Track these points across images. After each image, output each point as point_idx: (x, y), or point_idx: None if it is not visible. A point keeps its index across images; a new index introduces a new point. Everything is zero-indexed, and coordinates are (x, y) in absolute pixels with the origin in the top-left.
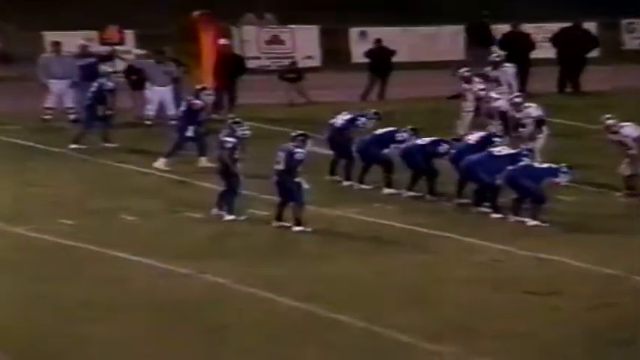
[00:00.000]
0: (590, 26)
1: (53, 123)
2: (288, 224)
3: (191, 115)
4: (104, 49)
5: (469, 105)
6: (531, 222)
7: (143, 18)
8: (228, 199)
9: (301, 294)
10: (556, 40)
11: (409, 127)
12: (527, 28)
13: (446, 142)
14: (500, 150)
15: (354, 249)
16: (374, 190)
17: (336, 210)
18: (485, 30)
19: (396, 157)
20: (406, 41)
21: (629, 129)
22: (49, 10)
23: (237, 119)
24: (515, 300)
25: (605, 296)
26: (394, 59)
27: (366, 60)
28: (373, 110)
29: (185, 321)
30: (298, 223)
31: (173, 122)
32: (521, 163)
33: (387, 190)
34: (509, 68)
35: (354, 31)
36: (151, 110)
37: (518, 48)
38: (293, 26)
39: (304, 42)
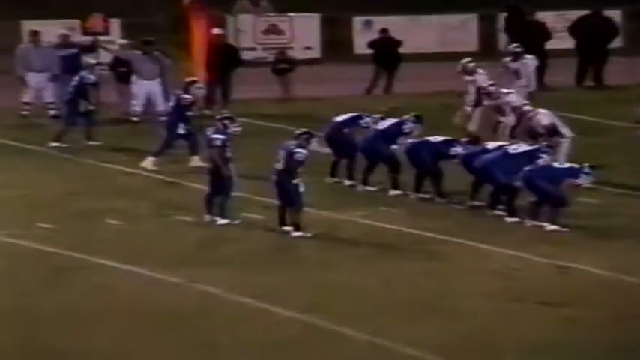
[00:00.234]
0: (615, 14)
1: (32, 119)
2: (289, 229)
3: (181, 111)
4: (87, 39)
5: (471, 98)
6: (550, 227)
7: (129, 6)
8: (221, 202)
9: (300, 304)
10: (574, 29)
11: (412, 113)
12: (546, 16)
13: (459, 143)
14: (517, 147)
15: (358, 256)
16: (379, 192)
17: (338, 213)
18: (522, 17)
19: (401, 156)
20: (414, 31)
21: None
22: None
23: (229, 115)
24: (532, 311)
25: (629, 307)
26: (401, 50)
27: (371, 51)
28: (413, 113)
29: (174, 334)
30: (297, 228)
31: (162, 118)
32: (540, 163)
33: (393, 192)
34: (530, 61)
35: (357, 20)
36: (137, 105)
37: (532, 38)
38: (292, 14)
39: (304, 31)
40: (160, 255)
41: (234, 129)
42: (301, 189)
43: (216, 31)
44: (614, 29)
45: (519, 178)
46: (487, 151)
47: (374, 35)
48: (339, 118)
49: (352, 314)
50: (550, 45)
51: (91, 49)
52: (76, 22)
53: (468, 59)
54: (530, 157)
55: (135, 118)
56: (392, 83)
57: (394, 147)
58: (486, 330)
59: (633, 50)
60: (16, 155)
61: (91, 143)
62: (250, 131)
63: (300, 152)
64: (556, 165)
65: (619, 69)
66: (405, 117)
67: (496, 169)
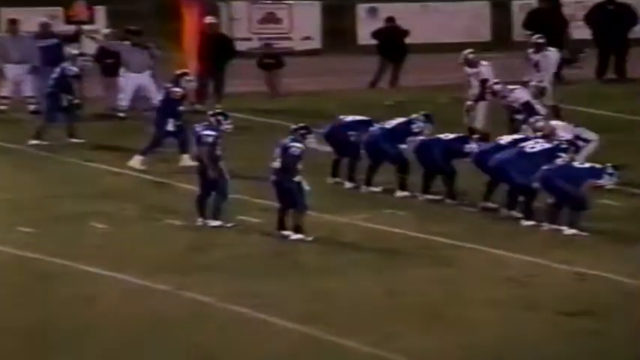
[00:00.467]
0: (634, 1)
1: (10, 115)
2: (289, 232)
3: (170, 106)
4: (69, 29)
5: (474, 92)
6: (569, 231)
7: None
8: (216, 202)
9: (298, 314)
10: (590, 17)
11: (422, 112)
12: (564, 3)
13: (473, 140)
14: (534, 146)
15: (360, 261)
16: (383, 193)
17: (340, 216)
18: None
19: (410, 155)
20: (422, 19)
21: None
22: None
23: (222, 111)
24: (548, 322)
25: None
26: (408, 40)
27: (376, 41)
28: (423, 112)
29: (162, 346)
30: (297, 231)
31: (148, 114)
32: (559, 162)
33: (399, 193)
34: (553, 53)
35: (361, 8)
36: (123, 100)
37: (547, 27)
38: (290, 2)
39: (303, 20)
40: (148, 261)
41: (227, 126)
42: (306, 187)
43: (208, 19)
44: (633, 16)
45: (537, 178)
46: (501, 147)
47: (379, 24)
48: (347, 119)
49: (354, 324)
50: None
51: (74, 38)
52: (58, 10)
53: (470, 50)
54: (548, 155)
55: (121, 114)
56: (398, 76)
57: (403, 146)
58: (498, 341)
59: None
60: None
61: (73, 140)
62: (245, 128)
63: (296, 146)
64: (577, 164)
65: None
66: (414, 115)
67: (511, 169)
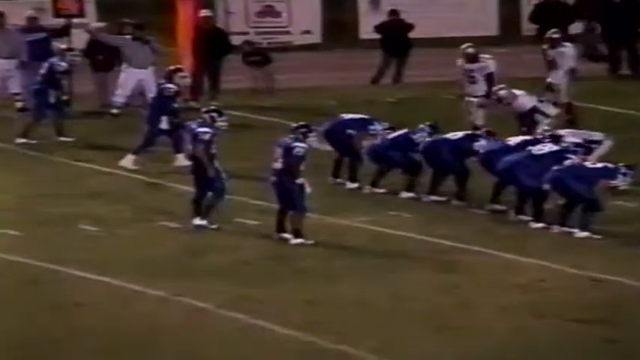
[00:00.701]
0: None
1: None
2: (289, 236)
3: (164, 103)
4: (58, 22)
5: (482, 88)
6: (581, 233)
7: None
8: (209, 202)
9: (299, 321)
10: (597, 12)
11: (427, 123)
12: None
13: (482, 137)
14: (542, 148)
15: (364, 266)
16: (388, 194)
17: (342, 218)
18: None
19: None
20: (427, 12)
21: None
22: None
23: (217, 107)
24: (560, 329)
25: None
26: (412, 35)
27: (378, 36)
28: (428, 123)
29: (157, 355)
30: (297, 235)
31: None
32: (569, 162)
33: (404, 194)
34: (568, 49)
35: (363, 0)
36: (120, 97)
37: (554, 20)
38: None
39: (302, 13)
40: (141, 265)
41: (221, 123)
42: (307, 190)
43: (203, 12)
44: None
45: (547, 180)
46: (509, 148)
47: (382, 17)
48: (346, 116)
49: (356, 332)
50: (574, 28)
51: (63, 32)
52: (46, 3)
53: (468, 44)
54: (556, 158)
55: (114, 111)
56: (401, 72)
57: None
58: (506, 350)
59: None
60: None
61: (62, 139)
62: (241, 125)
63: (299, 147)
64: (589, 165)
65: None
66: (421, 126)
67: (520, 172)
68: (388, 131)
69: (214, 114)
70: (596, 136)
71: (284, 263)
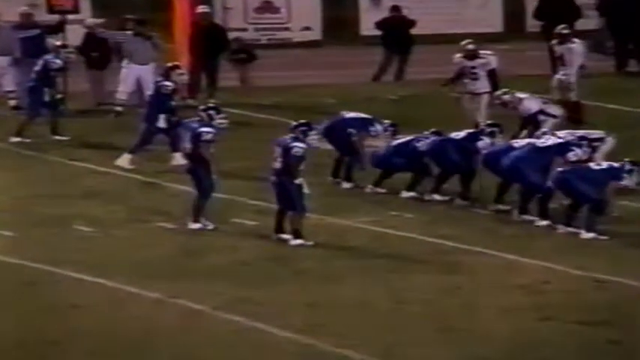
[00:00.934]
0: None
1: None
2: (288, 237)
3: (161, 101)
4: (52, 18)
5: (485, 84)
6: (586, 234)
7: None
8: (197, 202)
9: (299, 324)
10: (601, 6)
11: (431, 130)
12: None
13: (484, 134)
14: (545, 140)
15: (365, 267)
16: (389, 195)
17: (343, 219)
18: None
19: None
20: (429, 8)
21: None
22: None
23: (215, 105)
24: (565, 332)
25: None
26: (414, 31)
27: (380, 32)
28: (432, 130)
29: (153, 358)
30: (296, 235)
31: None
32: (571, 156)
33: (406, 194)
34: (577, 45)
35: None
36: (122, 93)
37: (558, 16)
38: None
39: (302, 9)
40: (137, 266)
41: (220, 121)
42: (305, 190)
43: (200, 8)
44: None
45: (552, 179)
46: (513, 149)
47: (383, 13)
48: (347, 115)
49: (357, 335)
50: (580, 24)
51: (58, 29)
52: None
53: (468, 41)
54: (560, 150)
55: (119, 108)
56: (403, 69)
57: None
58: (510, 353)
59: None
60: None
61: (57, 138)
62: (240, 123)
63: (299, 146)
64: (594, 166)
65: None
66: (425, 133)
67: (526, 167)
68: (390, 129)
69: (212, 112)
70: (596, 133)
71: (283, 264)
